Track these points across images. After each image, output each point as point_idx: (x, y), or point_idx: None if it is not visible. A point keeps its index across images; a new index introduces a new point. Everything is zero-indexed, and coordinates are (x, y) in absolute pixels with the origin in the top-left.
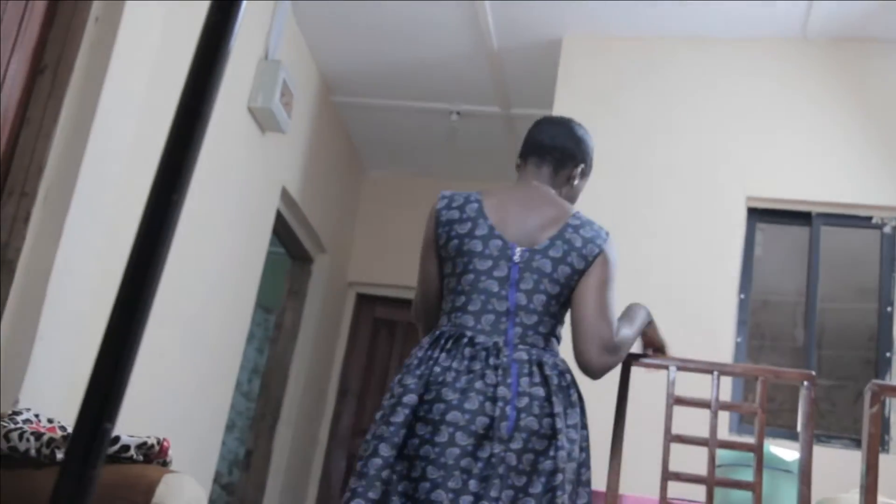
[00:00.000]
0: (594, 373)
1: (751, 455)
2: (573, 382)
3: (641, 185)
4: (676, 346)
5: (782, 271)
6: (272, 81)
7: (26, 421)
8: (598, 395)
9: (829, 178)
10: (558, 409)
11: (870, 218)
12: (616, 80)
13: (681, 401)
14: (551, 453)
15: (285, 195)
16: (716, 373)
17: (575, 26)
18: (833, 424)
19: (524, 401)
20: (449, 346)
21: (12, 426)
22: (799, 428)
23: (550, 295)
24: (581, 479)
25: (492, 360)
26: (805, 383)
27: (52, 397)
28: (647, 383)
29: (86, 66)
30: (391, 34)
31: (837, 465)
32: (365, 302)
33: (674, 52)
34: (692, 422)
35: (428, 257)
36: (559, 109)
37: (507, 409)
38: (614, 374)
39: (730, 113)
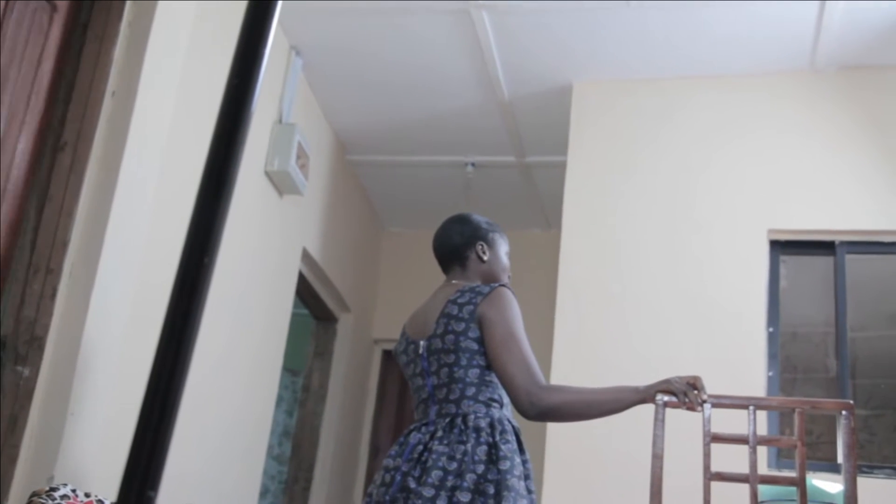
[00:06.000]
0: (535, 418)
1: (792, 489)
2: (490, 428)
3: (660, 226)
4: (708, 384)
5: (809, 302)
6: (287, 145)
7: (63, 497)
8: (631, 435)
9: (850, 206)
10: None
11: (894, 243)
12: (628, 122)
13: (718, 438)
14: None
15: (306, 256)
16: (752, 407)
17: (584, 72)
18: (874, 454)
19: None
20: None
21: (50, 503)
22: (840, 459)
23: (449, 364)
24: None
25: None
26: (843, 413)
27: (87, 472)
28: (679, 422)
29: (104, 141)
30: (401, 90)
31: (882, 496)
32: (391, 358)
33: (684, 91)
34: (728, 459)
35: None
36: (574, 154)
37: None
38: (649, 415)
39: (745, 148)
